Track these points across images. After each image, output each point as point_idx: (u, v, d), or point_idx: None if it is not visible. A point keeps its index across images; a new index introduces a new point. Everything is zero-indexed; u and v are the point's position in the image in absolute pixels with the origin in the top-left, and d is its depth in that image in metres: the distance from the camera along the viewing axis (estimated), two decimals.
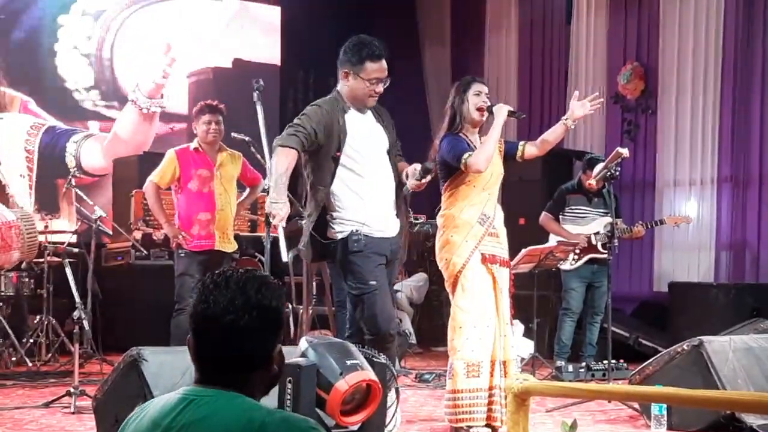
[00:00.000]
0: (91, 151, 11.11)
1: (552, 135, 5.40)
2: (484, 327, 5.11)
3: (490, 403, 5.10)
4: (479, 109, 5.21)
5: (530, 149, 5.41)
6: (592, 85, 10.65)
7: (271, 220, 4.72)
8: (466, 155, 5.07)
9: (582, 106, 5.33)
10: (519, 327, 7.73)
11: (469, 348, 5.10)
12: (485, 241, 5.15)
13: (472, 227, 5.14)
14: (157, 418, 1.93)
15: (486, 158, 5.07)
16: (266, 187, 5.01)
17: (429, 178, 5.00)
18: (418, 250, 10.38)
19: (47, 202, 10.52)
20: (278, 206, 4.68)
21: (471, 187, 5.18)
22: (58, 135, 11.07)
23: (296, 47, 11.99)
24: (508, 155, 5.38)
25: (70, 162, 10.91)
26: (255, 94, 5.80)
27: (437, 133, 5.38)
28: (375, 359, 4.37)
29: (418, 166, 5.01)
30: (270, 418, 1.88)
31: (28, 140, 10.85)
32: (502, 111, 5.18)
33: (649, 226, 8.38)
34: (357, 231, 4.91)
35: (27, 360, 7.97)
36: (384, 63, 4.99)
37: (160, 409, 1.95)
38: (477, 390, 5.08)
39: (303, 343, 4.10)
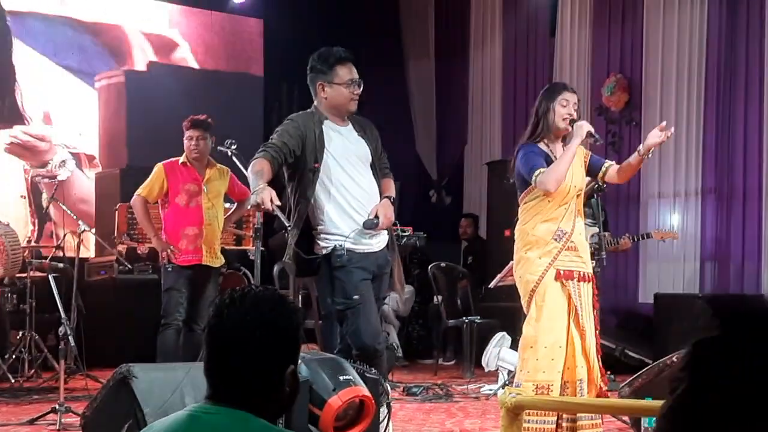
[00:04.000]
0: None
1: (628, 166, 5.20)
2: (556, 348, 4.86)
3: (558, 426, 4.86)
4: (564, 120, 4.98)
5: (611, 173, 5.19)
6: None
7: (263, 207, 4.54)
8: (537, 172, 4.87)
9: (656, 135, 5.07)
10: (506, 339, 7.72)
11: (540, 369, 4.85)
12: (562, 257, 4.92)
13: (547, 244, 4.92)
14: None
15: (556, 179, 4.85)
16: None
17: (374, 230, 4.95)
18: (404, 263, 10.36)
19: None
20: (259, 190, 4.55)
21: (546, 201, 4.95)
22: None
23: (279, 60, 11.99)
24: (592, 170, 5.16)
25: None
26: (229, 152, 5.95)
27: (520, 138, 5.17)
28: (368, 374, 4.34)
29: (377, 208, 4.96)
30: None
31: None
32: (581, 130, 4.94)
33: (636, 239, 8.38)
34: (340, 246, 4.89)
35: (10, 376, 7.88)
36: (353, 66, 5.02)
37: (168, 426, 1.93)
38: (545, 414, 4.83)
39: None
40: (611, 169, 5.23)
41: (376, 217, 4.92)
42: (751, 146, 9.42)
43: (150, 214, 7.17)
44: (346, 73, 4.98)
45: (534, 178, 4.89)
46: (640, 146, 5.13)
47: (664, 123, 5.22)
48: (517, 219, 5.20)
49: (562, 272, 4.92)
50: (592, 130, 5.06)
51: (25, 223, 10.48)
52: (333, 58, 4.99)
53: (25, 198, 10.65)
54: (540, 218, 4.98)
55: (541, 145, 5.05)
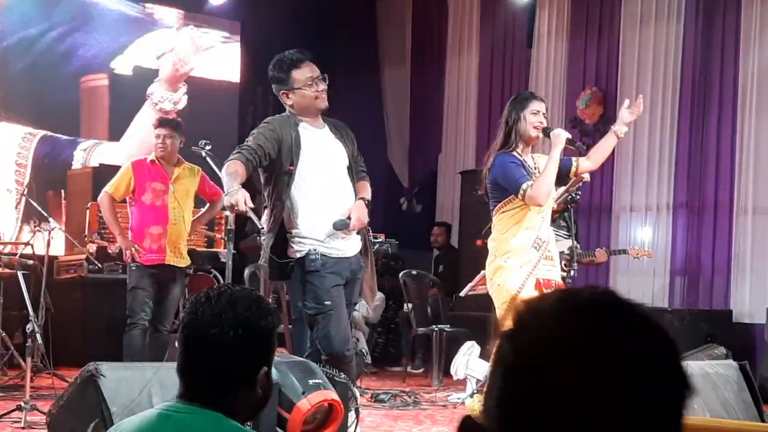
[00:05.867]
0: (102, 157, 10.96)
1: (604, 146, 5.27)
2: None
3: None
4: (536, 128, 5.07)
5: (584, 164, 5.26)
6: (551, 109, 10.71)
7: (236, 208, 4.53)
8: (525, 185, 4.90)
9: (631, 112, 5.19)
10: (476, 348, 7.72)
11: None
12: (540, 266, 4.99)
13: (527, 253, 4.97)
14: None
15: (547, 191, 4.93)
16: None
17: (345, 231, 4.93)
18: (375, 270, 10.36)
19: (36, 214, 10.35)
20: (233, 192, 4.54)
21: (526, 210, 5.00)
22: (60, 145, 11.01)
23: (256, 63, 11.96)
24: (563, 172, 5.21)
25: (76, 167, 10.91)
26: (203, 152, 5.95)
27: (491, 147, 5.20)
28: (337, 378, 4.34)
29: (351, 210, 4.95)
30: None
31: (20, 153, 10.74)
32: (560, 138, 5.02)
33: (610, 254, 8.45)
34: (314, 250, 4.86)
35: None
36: (311, 63, 5.00)
37: (138, 425, 1.91)
38: None
39: None
40: (581, 163, 5.30)
41: (348, 217, 4.90)
42: (723, 161, 9.49)
43: (118, 213, 7.14)
44: (304, 73, 4.96)
45: (522, 191, 4.91)
46: (617, 127, 5.17)
47: (628, 101, 5.29)
48: (489, 228, 5.22)
49: (542, 281, 4.99)
50: (570, 136, 5.12)
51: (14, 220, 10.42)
52: (286, 64, 4.98)
53: (10, 192, 10.56)
54: (520, 227, 5.02)
55: (515, 154, 5.08)
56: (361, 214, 4.96)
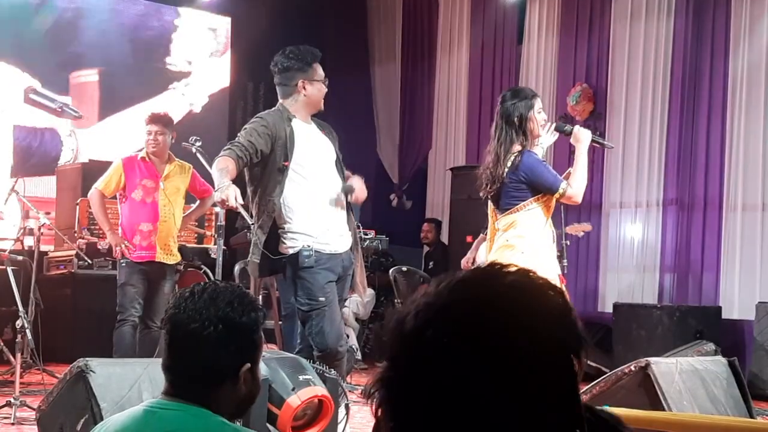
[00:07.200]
0: (93, 140, 10.98)
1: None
2: None
3: None
4: (542, 127, 5.16)
5: None
6: (541, 105, 10.71)
7: (227, 204, 4.56)
8: (564, 184, 5.02)
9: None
10: None
11: None
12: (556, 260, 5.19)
13: (552, 248, 5.13)
14: (120, 430, 1.89)
15: (583, 190, 5.11)
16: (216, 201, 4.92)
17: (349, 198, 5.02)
18: (365, 266, 10.37)
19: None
20: (223, 188, 4.56)
21: (547, 207, 5.11)
22: (40, 134, 10.96)
23: (246, 60, 11.95)
24: None
25: (67, 155, 10.90)
26: (193, 148, 6.03)
27: (497, 144, 5.14)
28: (327, 375, 4.35)
29: (355, 179, 5.03)
30: None
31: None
32: (586, 137, 5.15)
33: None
34: (308, 246, 4.87)
35: None
36: None
37: (124, 421, 1.91)
38: None
39: None
40: None
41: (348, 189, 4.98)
42: (713, 158, 9.52)
43: (108, 209, 7.13)
44: (320, 70, 5.03)
45: (561, 191, 5.02)
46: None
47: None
48: (487, 226, 5.28)
49: (560, 275, 5.18)
50: (590, 133, 5.24)
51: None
52: (311, 56, 5.01)
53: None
54: (545, 223, 5.13)
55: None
56: (362, 186, 5.07)
